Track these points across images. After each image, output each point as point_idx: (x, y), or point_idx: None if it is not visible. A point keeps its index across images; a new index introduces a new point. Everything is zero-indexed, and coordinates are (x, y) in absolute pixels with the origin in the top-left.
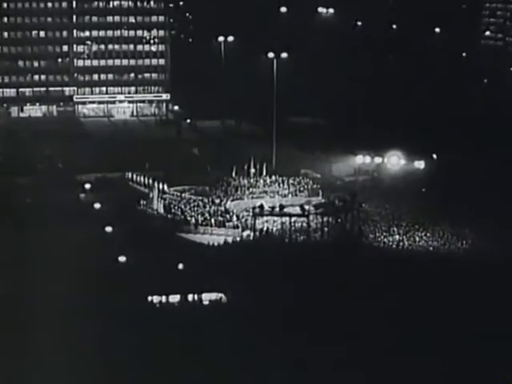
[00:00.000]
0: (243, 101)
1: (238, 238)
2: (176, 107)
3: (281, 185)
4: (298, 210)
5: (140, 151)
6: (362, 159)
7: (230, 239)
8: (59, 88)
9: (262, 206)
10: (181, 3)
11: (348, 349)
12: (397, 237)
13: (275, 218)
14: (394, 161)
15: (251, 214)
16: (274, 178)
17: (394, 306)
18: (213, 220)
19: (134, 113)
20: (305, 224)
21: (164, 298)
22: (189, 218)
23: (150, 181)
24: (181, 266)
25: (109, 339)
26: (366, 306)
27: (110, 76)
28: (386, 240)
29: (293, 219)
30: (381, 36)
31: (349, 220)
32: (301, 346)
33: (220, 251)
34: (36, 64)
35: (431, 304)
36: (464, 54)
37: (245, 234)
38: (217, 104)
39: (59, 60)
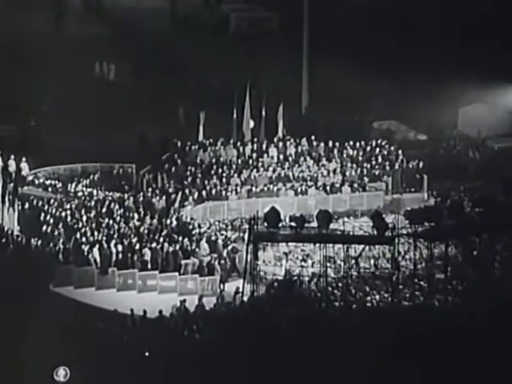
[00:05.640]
0: None
1: (213, 300)
2: None
3: (322, 160)
4: (366, 225)
5: None
6: None
7: (191, 303)
8: None
9: (274, 215)
10: None
11: None
12: None
13: (307, 247)
14: None
15: (247, 236)
16: (304, 142)
17: None
18: (148, 252)
19: None
20: (385, 262)
21: None
22: (85, 248)
23: None
24: (62, 376)
25: None
26: None
27: None
28: None
29: (355, 250)
30: None
31: (500, 253)
32: None
33: (165, 336)
34: None
35: None
36: None
37: (230, 288)
38: None
39: None
